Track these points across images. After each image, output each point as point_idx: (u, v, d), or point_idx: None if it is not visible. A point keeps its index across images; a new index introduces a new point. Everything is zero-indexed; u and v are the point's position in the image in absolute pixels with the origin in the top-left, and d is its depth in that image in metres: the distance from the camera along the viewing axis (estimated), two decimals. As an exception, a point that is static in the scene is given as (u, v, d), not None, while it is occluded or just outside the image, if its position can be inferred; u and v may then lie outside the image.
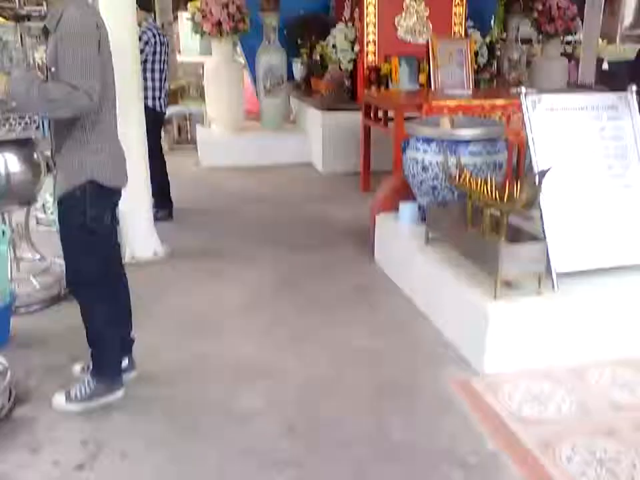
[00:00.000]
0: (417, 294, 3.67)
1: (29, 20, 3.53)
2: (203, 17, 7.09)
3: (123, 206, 4.24)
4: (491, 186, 3.02)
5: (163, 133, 8.12)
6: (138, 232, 4.38)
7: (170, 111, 8.37)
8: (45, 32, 2.46)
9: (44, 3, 3.34)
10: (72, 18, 2.30)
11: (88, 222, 2.48)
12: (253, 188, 6.42)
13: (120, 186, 2.64)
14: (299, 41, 8.03)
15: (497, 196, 2.96)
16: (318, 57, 7.48)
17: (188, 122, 8.71)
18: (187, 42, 13.82)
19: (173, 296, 3.85)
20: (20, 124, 3.34)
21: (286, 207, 5.76)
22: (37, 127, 3.43)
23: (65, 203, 2.52)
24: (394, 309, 3.67)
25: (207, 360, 3.11)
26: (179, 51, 16.67)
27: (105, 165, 2.49)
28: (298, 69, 8.18)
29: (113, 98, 2.53)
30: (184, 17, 10.96)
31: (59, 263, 3.91)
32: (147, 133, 4.86)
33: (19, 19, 3.41)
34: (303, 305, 3.72)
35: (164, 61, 5.22)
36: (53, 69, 2.34)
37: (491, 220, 3.11)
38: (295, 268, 4.29)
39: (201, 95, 8.37)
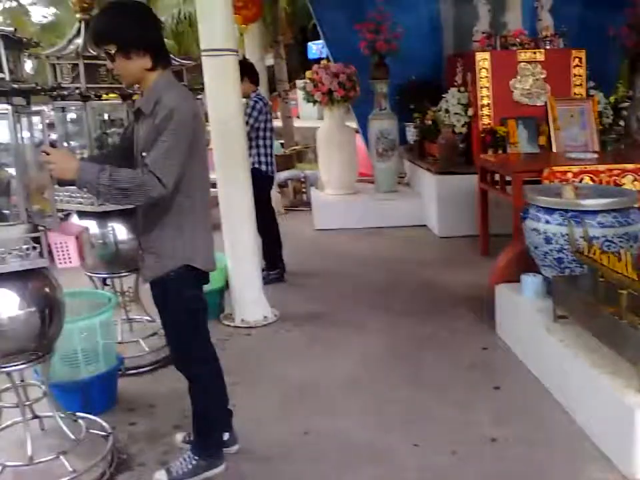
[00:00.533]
0: (546, 375, 3.29)
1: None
2: (314, 86, 7.20)
3: (233, 269, 4.30)
4: (626, 262, 2.65)
5: (279, 196, 8.28)
6: (248, 295, 4.32)
7: (286, 174, 8.55)
8: (137, 113, 2.41)
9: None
10: (171, 106, 2.24)
11: (187, 304, 2.45)
12: (367, 251, 6.27)
13: (211, 269, 2.57)
14: (412, 106, 7.98)
15: (634, 274, 2.58)
16: (430, 122, 7.35)
17: (303, 185, 8.79)
18: (305, 107, 14.29)
19: (280, 363, 3.71)
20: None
21: (400, 271, 5.54)
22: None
23: (159, 287, 2.46)
24: (519, 390, 3.30)
25: (310, 438, 2.91)
26: (298, 116, 17.30)
27: (198, 250, 2.44)
28: (411, 133, 8.13)
29: (205, 182, 2.48)
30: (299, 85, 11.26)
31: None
32: (258, 196, 4.91)
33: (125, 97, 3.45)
34: (415, 380, 3.46)
35: (271, 128, 5.30)
36: (144, 154, 2.29)
37: (629, 300, 2.70)
38: (408, 337, 4.03)
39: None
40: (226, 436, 2.72)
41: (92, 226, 3.42)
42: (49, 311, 2.34)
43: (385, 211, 7.30)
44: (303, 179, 8.78)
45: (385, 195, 7.58)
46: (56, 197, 3.37)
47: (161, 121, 2.23)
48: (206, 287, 4.16)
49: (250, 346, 3.95)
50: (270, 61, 15.66)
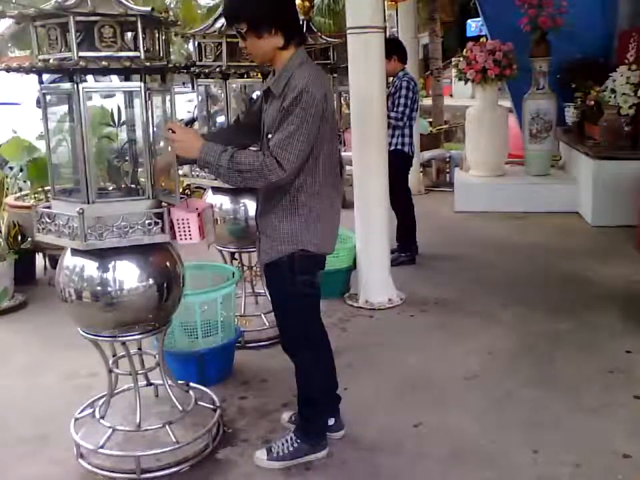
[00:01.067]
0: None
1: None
2: (467, 64, 6.91)
3: (362, 249, 4.27)
4: None
5: (421, 175, 8.12)
6: (374, 276, 4.27)
7: (430, 153, 8.35)
8: (266, 93, 2.38)
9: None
10: (301, 87, 2.17)
11: (300, 288, 2.40)
12: (509, 237, 5.95)
13: (329, 252, 2.50)
14: (573, 85, 7.42)
15: None
16: (592, 102, 6.78)
17: (447, 165, 8.53)
18: (459, 86, 13.88)
19: (399, 349, 3.63)
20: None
21: (543, 260, 5.20)
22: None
23: (272, 271, 2.44)
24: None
25: (419, 431, 2.82)
26: (451, 95, 16.86)
27: (316, 234, 2.36)
28: (570, 114, 7.62)
29: (332, 164, 2.38)
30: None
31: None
32: (397, 175, 4.83)
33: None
34: (544, 380, 3.24)
35: (417, 108, 5.17)
36: (269, 136, 2.26)
37: None
38: (542, 334, 3.78)
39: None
40: (331, 421, 2.70)
41: (225, 202, 3.54)
42: (168, 284, 2.43)
43: (534, 195, 6.90)
44: (447, 159, 8.51)
45: (536, 179, 7.17)
46: (192, 173, 3.55)
47: (289, 103, 2.17)
48: (333, 266, 4.27)
49: (371, 328, 3.90)
50: (426, 39, 15.35)
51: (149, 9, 2.22)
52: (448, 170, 8.54)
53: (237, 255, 3.71)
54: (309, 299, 2.47)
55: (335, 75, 5.10)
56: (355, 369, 3.29)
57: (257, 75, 3.55)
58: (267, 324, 3.65)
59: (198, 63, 3.47)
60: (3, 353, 3.74)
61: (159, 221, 2.32)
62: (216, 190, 3.57)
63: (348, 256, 4.38)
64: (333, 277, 4.22)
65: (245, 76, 3.52)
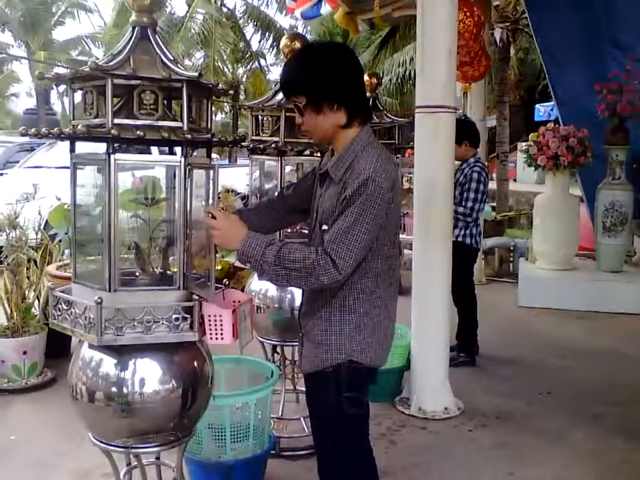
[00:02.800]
0: None
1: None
2: (538, 149, 6.57)
3: (417, 347, 3.85)
4: None
5: (482, 264, 7.67)
6: (429, 380, 3.83)
7: (493, 241, 7.93)
8: (323, 177, 2.07)
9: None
10: (366, 174, 1.86)
11: (345, 406, 2.00)
12: (578, 340, 5.41)
13: (382, 364, 2.11)
14: (652, 177, 6.98)
15: None
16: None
17: (511, 254, 8.07)
18: (524, 171, 13.51)
19: (454, 474, 3.14)
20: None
21: (616, 369, 4.65)
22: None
23: (313, 382, 2.08)
24: None
25: None
26: (515, 180, 16.47)
27: (369, 343, 1.99)
28: (649, 208, 7.10)
29: (393, 260, 2.04)
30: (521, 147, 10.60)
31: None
32: (460, 270, 4.45)
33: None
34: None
35: (485, 198, 4.78)
36: (324, 227, 1.96)
37: None
38: (623, 464, 3.23)
39: (531, 226, 7.73)
40: None
41: (270, 288, 3.21)
42: (193, 388, 2.08)
43: (606, 294, 6.38)
44: (511, 248, 8.05)
45: (608, 275, 6.66)
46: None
47: (352, 192, 1.86)
48: (386, 366, 3.83)
49: (422, 443, 3.42)
50: (492, 121, 15.15)
51: (196, 74, 1.96)
52: (512, 259, 8.07)
53: (279, 348, 3.33)
54: (354, 419, 2.06)
55: (399, 156, 4.84)
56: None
57: (315, 153, 3.27)
58: (307, 430, 3.22)
59: (254, 138, 3.23)
60: (18, 441, 3.39)
61: (188, 316, 1.98)
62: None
63: (402, 354, 3.95)
64: (384, 378, 3.73)
65: (303, 154, 3.25)
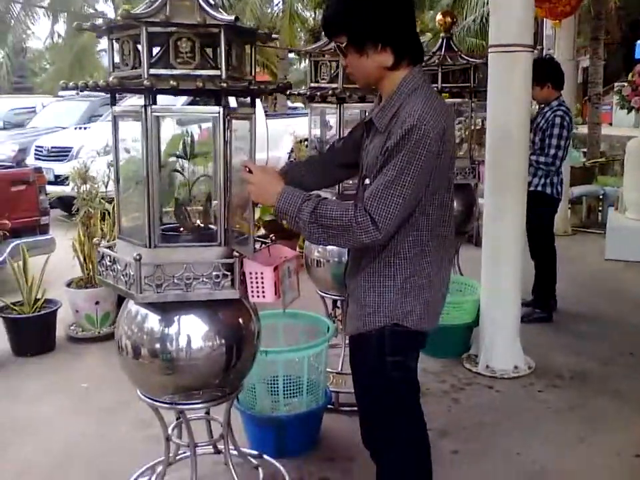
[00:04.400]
0: None
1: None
2: (632, 90, 6.05)
3: (487, 303, 3.68)
4: None
5: (569, 213, 7.28)
6: (499, 337, 3.66)
7: (581, 189, 7.49)
8: (368, 125, 1.91)
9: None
10: (412, 122, 1.69)
11: (390, 372, 1.88)
12: (668, 296, 5.06)
13: (431, 328, 1.93)
14: None
15: None
16: None
17: (600, 203, 7.60)
18: (620, 114, 12.64)
19: (520, 436, 2.98)
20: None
21: None
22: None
23: (357, 346, 1.95)
24: None
25: None
26: (610, 124, 15.45)
27: (415, 305, 1.84)
28: None
29: (445, 217, 1.87)
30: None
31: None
32: (537, 220, 4.22)
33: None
34: None
35: (569, 144, 4.44)
36: (367, 181, 1.83)
37: None
38: None
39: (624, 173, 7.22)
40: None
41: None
42: (238, 345, 2.03)
43: None
44: (600, 197, 7.58)
45: None
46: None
47: (396, 142, 1.70)
48: (452, 320, 3.71)
49: (488, 403, 3.28)
50: (586, 61, 14.18)
51: (232, 17, 1.85)
52: (601, 209, 7.61)
53: (339, 303, 3.26)
54: (399, 386, 1.92)
55: (475, 100, 4.57)
56: (462, 457, 2.72)
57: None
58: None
59: (312, 85, 3.09)
60: (89, 389, 3.52)
61: (229, 273, 1.93)
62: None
63: (471, 310, 3.79)
64: (452, 334, 3.67)
65: (365, 101, 3.09)
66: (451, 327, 3.63)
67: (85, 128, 9.18)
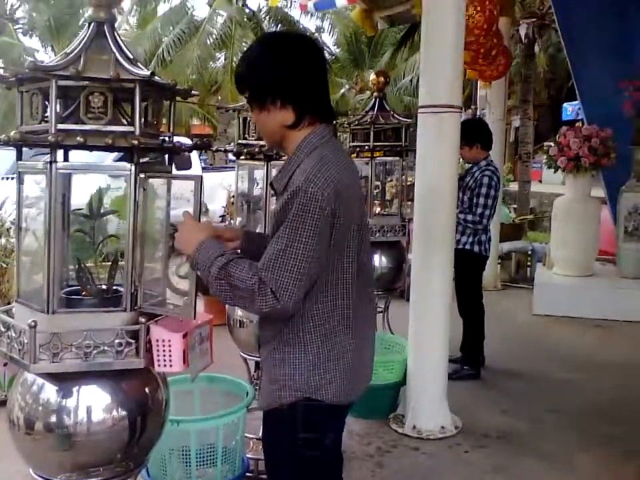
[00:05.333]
0: None
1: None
2: (558, 150, 6.29)
3: (414, 362, 3.64)
4: None
5: (498, 269, 7.41)
6: (426, 397, 3.62)
7: (510, 245, 7.66)
8: (272, 187, 1.85)
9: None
10: (299, 183, 1.61)
11: (301, 450, 1.75)
12: (596, 352, 5.15)
13: (351, 401, 1.81)
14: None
15: None
16: None
17: (529, 259, 7.78)
18: (550, 171, 13.12)
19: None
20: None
21: (635, 387, 4.36)
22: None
23: (268, 421, 1.84)
24: None
25: None
26: (540, 181, 16.05)
27: (330, 379, 1.71)
28: (676, 213, 6.78)
29: (357, 284, 1.75)
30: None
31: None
32: (467, 279, 4.30)
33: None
34: None
35: (497, 204, 4.55)
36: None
37: None
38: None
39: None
40: None
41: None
42: (144, 416, 1.90)
43: (626, 302, 6.11)
44: (529, 252, 7.77)
45: (629, 283, 6.38)
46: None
47: (282, 206, 1.64)
48: (380, 380, 3.65)
49: (413, 467, 3.21)
50: (518, 121, 14.78)
51: (147, 73, 1.79)
52: (529, 264, 7.79)
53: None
54: (311, 466, 1.77)
55: (406, 158, 4.63)
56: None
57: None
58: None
59: (239, 141, 3.05)
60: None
61: (133, 341, 1.81)
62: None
63: (399, 369, 3.75)
64: (379, 394, 3.60)
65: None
66: (378, 387, 3.56)
67: (13, 178, 8.85)
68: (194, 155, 9.67)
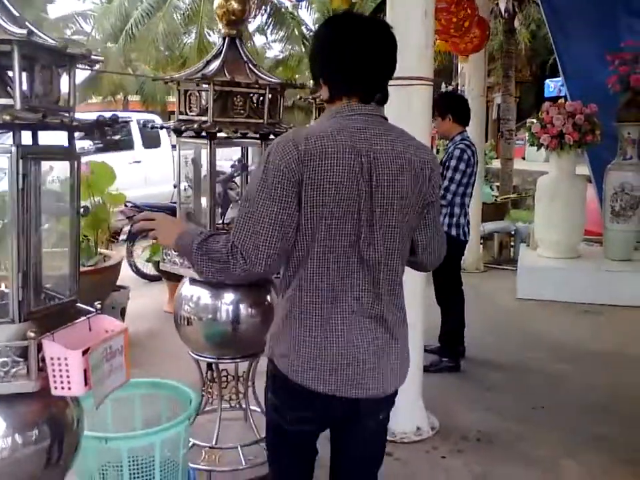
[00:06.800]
0: None
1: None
2: (541, 127, 5.97)
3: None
4: None
5: (480, 249, 7.12)
6: (399, 396, 3.27)
7: (492, 226, 7.38)
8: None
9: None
10: (269, 148, 1.66)
11: (270, 408, 1.82)
12: (581, 338, 4.87)
13: (311, 386, 1.67)
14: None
15: None
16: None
17: (512, 239, 7.49)
18: (533, 149, 12.88)
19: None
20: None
21: (627, 378, 4.08)
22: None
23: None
24: None
25: None
26: (523, 158, 15.77)
27: (285, 353, 1.70)
28: (661, 191, 6.53)
29: (337, 264, 1.66)
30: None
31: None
32: (444, 265, 3.92)
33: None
34: None
35: (474, 181, 4.20)
36: None
37: None
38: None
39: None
40: None
41: (203, 295, 2.71)
42: (52, 442, 1.58)
43: (614, 285, 5.85)
44: (512, 233, 7.47)
45: (616, 265, 6.12)
46: (169, 259, 2.76)
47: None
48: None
49: (386, 475, 2.84)
50: (500, 99, 14.47)
51: (24, 31, 1.44)
52: (513, 244, 7.50)
53: (214, 366, 2.82)
54: (271, 429, 1.86)
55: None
56: None
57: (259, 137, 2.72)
58: (244, 462, 2.73)
59: (180, 117, 2.70)
60: None
61: (21, 360, 1.48)
62: (194, 280, 2.74)
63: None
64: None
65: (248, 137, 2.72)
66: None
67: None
68: (163, 132, 9.26)
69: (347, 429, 1.79)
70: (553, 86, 16.75)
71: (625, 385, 3.96)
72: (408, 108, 3.24)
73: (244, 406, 2.98)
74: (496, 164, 11.57)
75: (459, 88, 14.12)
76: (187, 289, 2.77)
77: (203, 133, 2.61)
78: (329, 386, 1.66)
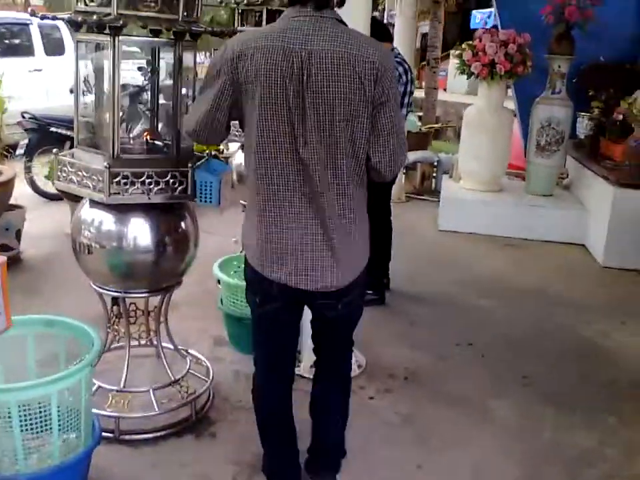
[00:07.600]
0: None
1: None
2: (473, 54, 5.74)
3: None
4: None
5: (403, 179, 6.95)
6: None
7: (416, 155, 7.19)
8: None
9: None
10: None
11: (248, 292, 2.03)
12: (502, 272, 4.81)
13: (265, 275, 1.88)
14: (590, 93, 6.34)
15: None
16: (620, 116, 5.66)
17: (434, 170, 7.35)
18: (455, 80, 12.76)
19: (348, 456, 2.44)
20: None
21: (546, 313, 4.05)
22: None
23: None
24: None
25: None
26: (445, 89, 15.65)
27: (248, 245, 1.94)
28: (583, 126, 6.55)
29: (271, 163, 1.78)
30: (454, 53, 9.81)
31: (206, 365, 2.80)
32: (376, 192, 3.68)
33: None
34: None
35: (410, 103, 3.92)
36: None
37: None
38: (552, 447, 2.66)
39: (459, 140, 6.97)
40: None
41: (106, 220, 2.34)
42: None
43: (534, 220, 5.82)
44: (435, 163, 7.32)
45: (538, 199, 6.09)
46: (65, 176, 2.34)
47: None
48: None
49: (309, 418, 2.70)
50: (425, 27, 14.13)
51: None
52: (435, 175, 7.37)
53: (120, 301, 2.48)
54: (253, 315, 2.06)
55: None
56: None
57: (169, 31, 2.30)
58: (157, 407, 2.46)
59: (77, 8, 2.23)
60: None
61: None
62: (94, 202, 2.35)
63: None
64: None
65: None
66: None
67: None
68: (67, 38, 8.31)
69: (313, 310, 2.07)
70: (479, 17, 16.57)
71: (547, 323, 3.92)
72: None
73: (155, 343, 2.68)
74: (419, 94, 11.35)
75: (385, 14, 13.68)
76: (86, 212, 2.39)
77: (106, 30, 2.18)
78: (277, 276, 1.85)
